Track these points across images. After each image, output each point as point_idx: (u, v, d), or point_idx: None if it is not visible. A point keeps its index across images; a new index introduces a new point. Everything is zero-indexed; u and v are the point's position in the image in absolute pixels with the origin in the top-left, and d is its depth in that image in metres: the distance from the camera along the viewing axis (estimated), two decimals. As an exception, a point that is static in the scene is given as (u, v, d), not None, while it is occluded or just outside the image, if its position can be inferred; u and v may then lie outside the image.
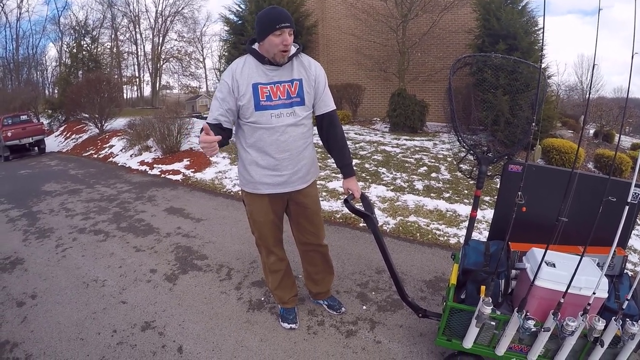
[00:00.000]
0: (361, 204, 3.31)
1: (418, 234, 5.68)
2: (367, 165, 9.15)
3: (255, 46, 2.85)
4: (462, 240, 5.37)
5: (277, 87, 2.82)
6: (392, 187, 7.69)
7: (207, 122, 2.60)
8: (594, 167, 10.97)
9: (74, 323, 3.80)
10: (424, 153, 10.58)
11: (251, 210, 3.22)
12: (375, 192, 7.37)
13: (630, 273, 2.88)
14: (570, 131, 16.66)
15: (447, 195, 7.26)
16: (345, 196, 3.14)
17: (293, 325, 3.45)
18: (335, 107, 3.13)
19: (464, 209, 6.51)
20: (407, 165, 9.30)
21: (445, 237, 5.56)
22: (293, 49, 2.86)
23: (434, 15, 15.10)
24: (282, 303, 3.56)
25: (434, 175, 8.45)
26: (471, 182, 7.31)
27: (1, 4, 42.11)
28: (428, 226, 5.93)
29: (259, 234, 3.29)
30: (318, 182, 6.44)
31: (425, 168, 9.01)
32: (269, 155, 2.92)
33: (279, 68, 2.81)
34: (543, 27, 2.46)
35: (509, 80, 4.09)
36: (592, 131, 18.23)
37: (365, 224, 5.91)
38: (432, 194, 7.30)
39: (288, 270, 3.49)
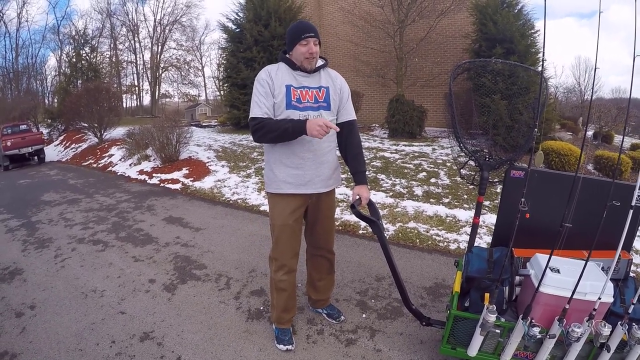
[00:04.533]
0: (367, 210, 3.30)
1: (418, 240, 5.64)
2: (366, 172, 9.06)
3: (287, 56, 3.10)
4: (462, 245, 5.35)
5: (305, 91, 3.03)
6: (391, 194, 7.67)
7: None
8: (593, 168, 10.95)
9: (73, 334, 3.76)
10: (423, 158, 10.56)
11: (272, 214, 3.27)
12: (375, 198, 7.33)
13: (632, 275, 2.84)
14: (569, 133, 16.66)
15: (446, 200, 7.23)
16: (352, 201, 3.13)
17: (290, 347, 3.39)
18: (355, 118, 3.29)
19: (464, 214, 6.48)
20: (406, 171, 9.29)
21: (445, 243, 5.53)
22: (321, 62, 3.13)
23: (430, 21, 15.12)
24: (279, 323, 3.50)
25: (433, 181, 8.43)
26: (471, 187, 7.29)
27: (0, 14, 42.26)
28: (428, 232, 5.90)
29: (276, 241, 3.27)
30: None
31: (424, 173, 8.99)
32: (294, 153, 3.06)
33: (308, 75, 3.06)
34: (544, 32, 2.44)
35: (507, 84, 4.07)
36: (590, 132, 18.23)
37: (365, 231, 5.89)
38: (431, 200, 7.27)
39: (293, 291, 3.44)
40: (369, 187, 3.50)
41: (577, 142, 14.35)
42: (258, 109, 2.98)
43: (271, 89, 2.97)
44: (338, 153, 3.33)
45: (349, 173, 3.30)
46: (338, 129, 2.92)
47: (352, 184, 3.26)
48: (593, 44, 2.15)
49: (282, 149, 3.06)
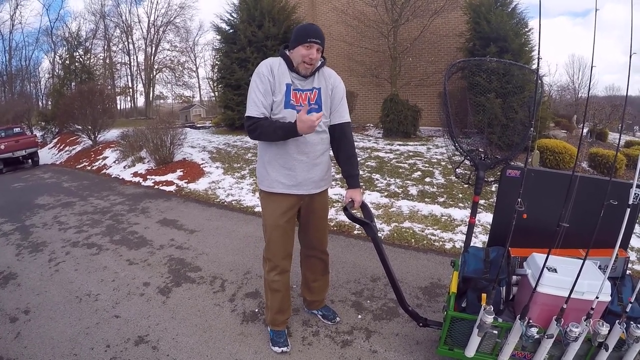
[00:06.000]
0: (360, 212, 3.29)
1: (413, 240, 5.64)
2: (360, 172, 9.02)
3: (287, 52, 3.06)
4: (457, 245, 5.35)
5: (299, 94, 2.99)
6: (386, 193, 7.66)
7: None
8: (588, 166, 10.95)
9: (68, 338, 3.74)
10: (418, 158, 10.56)
11: (264, 214, 3.26)
12: (370, 198, 7.33)
13: (628, 272, 2.83)
14: (563, 131, 16.68)
15: (441, 199, 7.23)
16: (345, 204, 3.12)
17: (285, 349, 3.37)
18: (350, 120, 3.24)
19: (459, 213, 6.48)
20: (401, 170, 9.28)
21: (441, 242, 5.53)
22: (318, 63, 3.05)
23: (424, 20, 15.13)
24: (273, 325, 3.49)
25: (428, 180, 8.43)
26: (466, 186, 7.29)
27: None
28: (423, 232, 5.90)
29: (268, 242, 3.26)
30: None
31: (419, 173, 8.99)
32: (287, 154, 3.03)
33: (303, 78, 3.01)
34: (540, 33, 2.42)
35: (501, 83, 4.05)
36: (585, 130, 18.26)
37: (360, 232, 5.88)
38: (426, 199, 7.27)
39: (287, 292, 3.43)
40: (364, 187, 3.48)
41: (572, 139, 14.37)
42: (255, 108, 2.92)
43: (272, 87, 2.92)
44: (331, 152, 3.31)
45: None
46: (322, 115, 2.85)
47: (346, 184, 3.23)
48: (587, 43, 2.14)
49: (276, 149, 3.04)
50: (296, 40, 2.91)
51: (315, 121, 2.71)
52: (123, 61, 49.65)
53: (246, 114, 2.97)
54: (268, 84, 2.92)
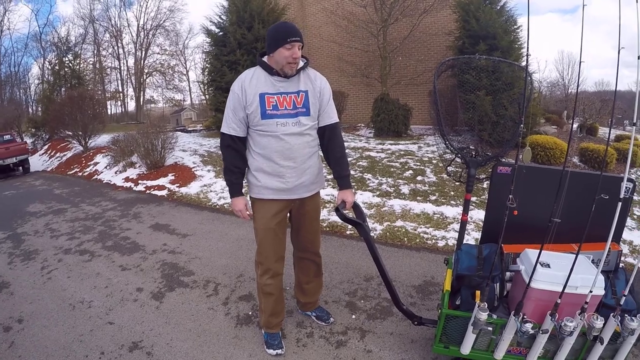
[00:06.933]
0: (353, 212, 3.28)
1: (405, 239, 5.64)
2: (352, 172, 9.05)
3: (265, 59, 3.00)
4: (450, 242, 5.36)
5: (283, 97, 2.94)
6: (378, 193, 7.66)
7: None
8: (579, 161, 11.01)
9: (62, 346, 3.71)
10: (409, 157, 10.58)
11: (255, 218, 3.24)
12: (362, 198, 7.34)
13: (621, 265, 2.84)
14: (554, 127, 16.78)
15: (433, 197, 7.24)
16: (337, 205, 3.11)
17: (279, 351, 3.37)
18: (338, 120, 3.21)
19: (451, 211, 6.49)
20: (392, 169, 9.29)
21: (433, 240, 5.53)
22: (301, 63, 2.99)
23: (413, 19, 15.21)
24: (267, 328, 3.47)
25: (419, 179, 8.44)
26: (457, 183, 7.30)
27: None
28: (415, 230, 5.90)
29: (260, 245, 3.24)
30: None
31: (410, 172, 9.01)
32: (274, 162, 3.00)
33: (286, 80, 2.94)
34: (528, 30, 2.43)
35: (490, 80, 4.06)
36: (575, 125, 18.36)
37: (352, 232, 5.87)
38: (418, 198, 7.28)
39: (281, 294, 3.41)
40: (355, 187, 3.48)
41: (562, 135, 14.44)
42: (225, 125, 3.06)
43: (242, 103, 2.94)
44: (321, 154, 3.30)
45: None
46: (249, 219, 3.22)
47: (337, 185, 3.22)
48: (576, 39, 2.13)
49: (262, 158, 3.03)
50: (275, 43, 2.84)
51: (240, 213, 3.17)
52: (113, 66, 49.63)
53: (220, 129, 3.09)
54: (237, 100, 2.95)
